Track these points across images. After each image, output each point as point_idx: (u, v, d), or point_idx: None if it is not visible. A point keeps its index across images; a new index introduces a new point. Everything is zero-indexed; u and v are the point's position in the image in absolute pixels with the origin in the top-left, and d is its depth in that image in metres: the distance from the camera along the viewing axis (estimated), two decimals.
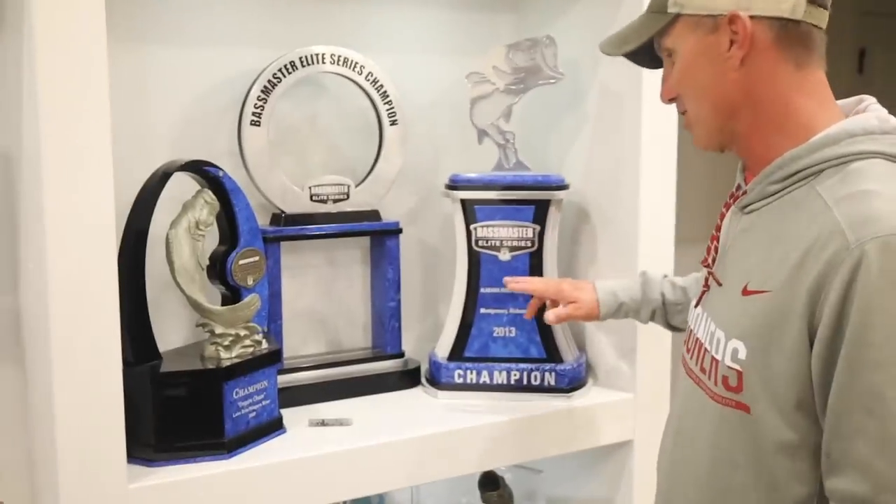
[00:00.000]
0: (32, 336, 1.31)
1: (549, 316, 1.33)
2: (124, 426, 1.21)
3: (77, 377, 1.17)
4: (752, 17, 0.96)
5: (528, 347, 1.57)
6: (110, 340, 1.18)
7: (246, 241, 1.39)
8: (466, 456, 1.44)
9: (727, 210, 1.06)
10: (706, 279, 1.07)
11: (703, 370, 1.02)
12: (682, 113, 1.06)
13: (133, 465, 1.26)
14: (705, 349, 1.02)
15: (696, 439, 1.02)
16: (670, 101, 1.06)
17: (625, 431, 1.58)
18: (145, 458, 1.28)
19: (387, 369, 1.61)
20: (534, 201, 1.55)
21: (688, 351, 1.08)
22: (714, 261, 1.06)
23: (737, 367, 0.95)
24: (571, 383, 1.57)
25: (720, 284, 1.03)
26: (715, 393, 0.98)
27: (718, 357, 0.98)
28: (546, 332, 1.57)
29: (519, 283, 1.40)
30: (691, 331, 1.09)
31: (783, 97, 0.97)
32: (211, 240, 1.40)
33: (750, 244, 0.99)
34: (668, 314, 1.34)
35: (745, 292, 0.95)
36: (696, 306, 1.09)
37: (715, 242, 1.06)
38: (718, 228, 1.06)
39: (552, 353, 1.57)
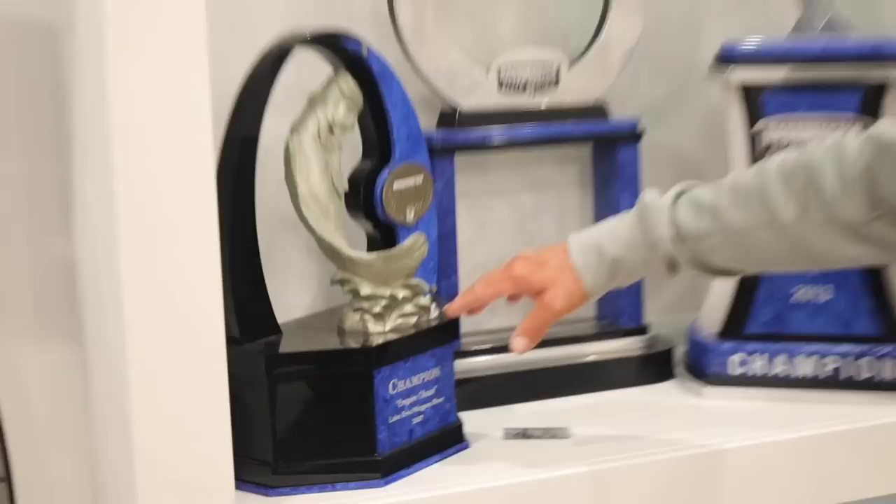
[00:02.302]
0: (94, 299, 1.33)
1: (516, 344, 1.34)
2: (231, 435, 1.20)
3: (160, 363, 1.17)
4: None
5: (853, 319, 1.54)
6: (208, 306, 1.18)
7: (403, 152, 1.39)
8: (751, 490, 1.42)
9: None
10: None
11: None
12: None
13: (243, 493, 1.28)
14: None
15: None
16: None
17: None
18: (260, 483, 1.30)
19: (621, 352, 1.62)
20: (860, 84, 1.52)
21: None
22: None
23: None
24: None
25: None
26: None
27: None
28: (883, 295, 1.53)
29: (455, 305, 1.40)
30: None
31: None
32: (350, 152, 1.41)
33: None
34: (699, 254, 1.29)
35: None
36: None
37: None
38: None
39: (893, 329, 1.53)
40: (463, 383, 1.47)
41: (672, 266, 1.31)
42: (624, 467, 1.36)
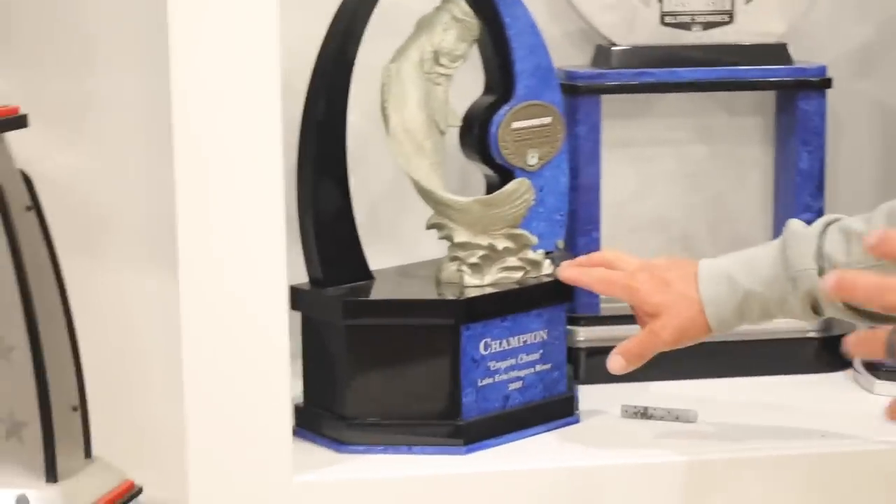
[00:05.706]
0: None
1: (612, 363, 1.32)
2: (289, 382, 1.22)
3: (212, 300, 1.19)
4: None
5: None
6: (271, 240, 1.19)
7: (527, 88, 1.38)
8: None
9: None
10: None
11: None
12: None
13: (313, 446, 1.32)
14: None
15: None
16: None
17: None
18: (333, 438, 1.32)
19: (787, 333, 1.55)
20: None
21: None
22: None
23: None
24: None
25: None
26: None
27: None
28: None
29: (569, 273, 1.36)
30: None
31: None
32: (466, 83, 1.39)
33: None
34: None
35: None
36: None
37: None
38: None
39: None
40: (595, 353, 1.45)
41: (815, 306, 1.27)
42: (759, 458, 1.32)
